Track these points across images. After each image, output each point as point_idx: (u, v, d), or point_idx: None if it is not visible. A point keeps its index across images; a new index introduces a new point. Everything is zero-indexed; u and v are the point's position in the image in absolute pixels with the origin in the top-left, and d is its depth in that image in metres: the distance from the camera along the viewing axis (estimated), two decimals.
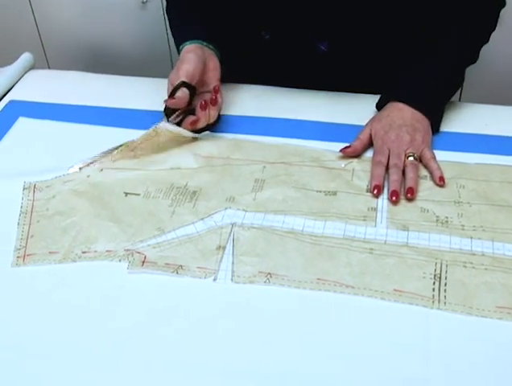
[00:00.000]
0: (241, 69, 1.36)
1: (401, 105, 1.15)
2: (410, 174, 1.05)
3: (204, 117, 1.15)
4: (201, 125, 1.16)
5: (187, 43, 1.21)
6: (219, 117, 1.19)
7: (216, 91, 1.17)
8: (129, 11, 2.12)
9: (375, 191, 1.03)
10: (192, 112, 1.16)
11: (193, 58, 1.17)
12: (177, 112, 1.16)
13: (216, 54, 1.23)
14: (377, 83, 1.23)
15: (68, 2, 2.18)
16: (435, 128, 1.16)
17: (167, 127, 1.14)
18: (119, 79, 1.39)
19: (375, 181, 1.05)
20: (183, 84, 1.14)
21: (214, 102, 1.15)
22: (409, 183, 1.04)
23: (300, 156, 1.12)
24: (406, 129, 1.10)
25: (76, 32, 2.18)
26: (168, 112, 1.17)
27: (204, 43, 1.22)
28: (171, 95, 1.14)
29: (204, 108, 1.14)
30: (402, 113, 1.13)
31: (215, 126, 1.19)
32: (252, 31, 1.30)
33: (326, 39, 1.27)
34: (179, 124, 1.15)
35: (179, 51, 1.22)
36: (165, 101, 1.15)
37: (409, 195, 1.02)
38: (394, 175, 1.05)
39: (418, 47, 1.21)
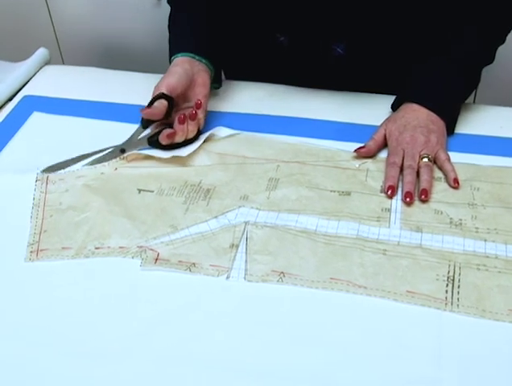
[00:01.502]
0: (256, 72, 1.36)
1: (416, 106, 1.14)
2: (424, 175, 1.05)
3: (182, 131, 1.13)
4: (178, 139, 1.13)
5: (179, 55, 1.20)
6: (199, 132, 1.17)
7: (197, 106, 1.15)
8: (143, 8, 2.12)
9: (389, 192, 1.03)
10: (171, 125, 1.15)
11: (178, 71, 1.16)
12: (155, 124, 1.16)
13: (209, 69, 1.22)
14: (392, 84, 1.23)
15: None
16: (451, 129, 1.15)
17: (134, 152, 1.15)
18: (133, 75, 1.39)
19: (389, 182, 1.04)
20: (163, 96, 1.13)
21: (193, 117, 1.14)
22: (423, 185, 1.03)
23: (315, 155, 1.12)
24: (421, 130, 1.10)
25: (91, 28, 2.18)
26: (144, 123, 1.17)
27: (196, 57, 1.20)
28: (149, 106, 1.13)
29: (182, 121, 1.12)
30: (417, 114, 1.13)
31: (192, 142, 1.16)
32: (267, 34, 1.30)
33: (343, 41, 1.26)
34: (155, 136, 1.14)
35: (170, 62, 1.22)
36: (141, 111, 1.14)
37: (423, 196, 1.02)
38: (409, 177, 1.05)
39: (433, 48, 1.21)
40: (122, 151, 1.14)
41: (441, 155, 1.09)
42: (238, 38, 1.35)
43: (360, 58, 1.27)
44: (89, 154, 1.15)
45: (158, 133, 1.13)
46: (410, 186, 1.03)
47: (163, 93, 1.13)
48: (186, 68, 1.17)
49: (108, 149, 1.15)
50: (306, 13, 1.22)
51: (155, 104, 1.13)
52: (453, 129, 1.16)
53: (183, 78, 1.16)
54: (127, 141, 1.16)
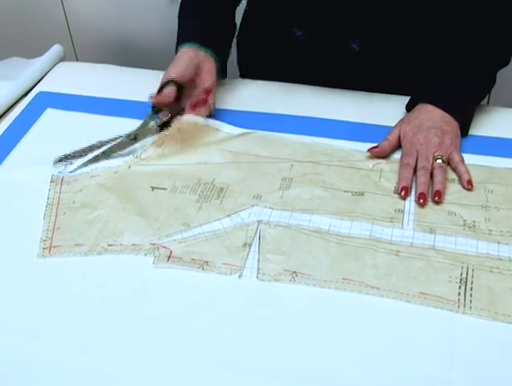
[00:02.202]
0: (272, 67, 1.36)
1: (430, 107, 1.14)
2: (438, 177, 1.05)
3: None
4: None
5: (185, 45, 1.21)
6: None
7: (207, 92, 1.18)
8: (158, 5, 2.12)
9: (402, 193, 1.03)
10: (182, 112, 1.17)
11: (184, 59, 1.18)
12: (165, 111, 1.17)
13: (214, 59, 1.23)
14: (407, 84, 1.23)
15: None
16: (465, 130, 1.15)
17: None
18: (147, 72, 1.39)
19: (403, 183, 1.04)
20: (171, 82, 1.15)
21: (204, 102, 1.17)
22: (437, 186, 1.03)
23: (328, 155, 1.12)
24: (435, 132, 1.10)
25: (105, 25, 2.19)
26: (154, 110, 1.18)
27: (202, 48, 1.21)
28: (158, 92, 1.15)
29: (193, 107, 1.16)
30: (432, 115, 1.13)
31: None
32: (284, 29, 1.30)
33: (358, 37, 1.26)
34: (166, 123, 1.17)
35: (176, 52, 1.23)
36: (150, 98, 1.16)
37: (436, 198, 1.02)
38: (422, 178, 1.04)
39: (448, 48, 1.21)
40: (134, 138, 1.15)
41: (455, 157, 1.08)
42: (256, 32, 1.36)
43: (374, 55, 1.27)
44: (102, 143, 1.16)
45: (169, 120, 1.15)
46: (424, 188, 1.03)
47: (171, 80, 1.15)
48: (191, 57, 1.19)
49: (120, 137, 1.16)
50: (323, 7, 1.23)
51: (165, 90, 1.15)
52: (467, 131, 1.16)
53: (191, 65, 1.18)
54: (138, 128, 1.17)
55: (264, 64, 1.35)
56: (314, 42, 1.29)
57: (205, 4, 1.29)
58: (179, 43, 1.23)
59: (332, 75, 1.30)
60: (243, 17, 1.43)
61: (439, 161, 1.07)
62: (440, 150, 1.08)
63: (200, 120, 1.18)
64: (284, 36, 1.32)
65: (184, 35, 1.25)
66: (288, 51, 1.34)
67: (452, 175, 1.07)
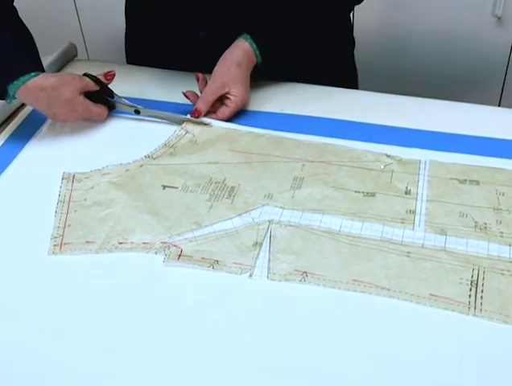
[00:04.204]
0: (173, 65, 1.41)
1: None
2: None
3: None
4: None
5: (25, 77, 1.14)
6: None
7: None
8: None
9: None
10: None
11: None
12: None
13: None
14: None
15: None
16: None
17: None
18: (158, 72, 1.39)
19: None
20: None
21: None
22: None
23: (340, 156, 1.12)
24: None
25: (117, 24, 2.19)
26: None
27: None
28: None
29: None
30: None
31: None
32: (186, 28, 1.35)
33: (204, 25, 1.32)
34: None
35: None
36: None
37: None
38: None
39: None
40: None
41: None
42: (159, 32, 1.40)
43: (221, 42, 1.28)
44: None
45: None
46: None
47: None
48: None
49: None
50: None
51: None
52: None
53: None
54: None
55: (153, 53, 1.44)
56: (216, 41, 1.29)
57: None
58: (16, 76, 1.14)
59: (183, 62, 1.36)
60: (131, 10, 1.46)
61: None
62: None
63: (215, 129, 1.21)
64: (186, 36, 1.35)
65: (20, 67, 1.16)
66: (189, 51, 1.37)
67: (463, 176, 1.07)
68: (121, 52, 1.55)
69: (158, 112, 1.23)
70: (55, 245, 0.98)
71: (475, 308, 0.86)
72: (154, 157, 1.14)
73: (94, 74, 1.22)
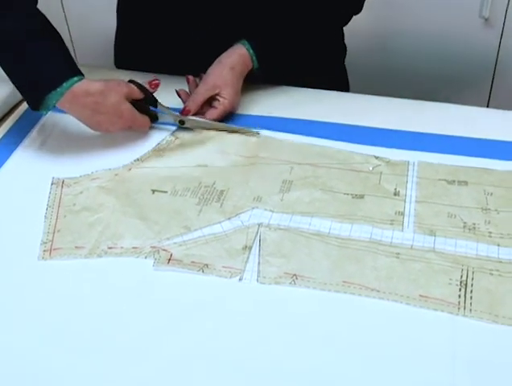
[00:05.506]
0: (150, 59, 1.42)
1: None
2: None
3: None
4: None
5: (70, 81, 1.10)
6: None
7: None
8: None
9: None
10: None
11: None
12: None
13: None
14: None
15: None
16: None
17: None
18: (147, 76, 1.39)
19: None
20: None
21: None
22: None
23: (328, 157, 1.12)
24: None
25: (106, 28, 2.18)
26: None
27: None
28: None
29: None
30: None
31: None
32: (183, 30, 1.35)
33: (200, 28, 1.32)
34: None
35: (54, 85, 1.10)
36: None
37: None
38: None
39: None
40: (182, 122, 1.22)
41: None
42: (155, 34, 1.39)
43: (220, 43, 1.28)
44: None
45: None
46: None
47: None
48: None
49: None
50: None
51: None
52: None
53: None
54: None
55: (145, 56, 1.42)
56: (213, 42, 1.29)
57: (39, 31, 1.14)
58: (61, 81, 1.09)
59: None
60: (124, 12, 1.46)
61: None
62: None
63: (201, 134, 1.21)
64: (182, 38, 1.35)
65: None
66: (186, 53, 1.36)
67: (451, 177, 1.07)
68: (110, 57, 1.55)
69: (205, 121, 1.22)
70: (44, 251, 0.98)
71: (464, 308, 0.86)
72: (142, 160, 1.14)
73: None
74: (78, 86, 1.10)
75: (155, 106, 1.21)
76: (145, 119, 1.19)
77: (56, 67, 1.11)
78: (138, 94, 1.17)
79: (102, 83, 1.12)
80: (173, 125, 1.22)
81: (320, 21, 1.31)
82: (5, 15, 1.10)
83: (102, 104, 1.11)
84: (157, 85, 1.21)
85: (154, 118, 1.22)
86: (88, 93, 1.10)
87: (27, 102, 1.13)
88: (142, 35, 1.42)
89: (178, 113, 1.22)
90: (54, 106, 1.10)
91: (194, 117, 1.21)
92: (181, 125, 1.21)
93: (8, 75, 1.11)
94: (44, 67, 1.10)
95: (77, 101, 1.11)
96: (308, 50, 1.34)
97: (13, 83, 1.12)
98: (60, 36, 1.15)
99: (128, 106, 1.14)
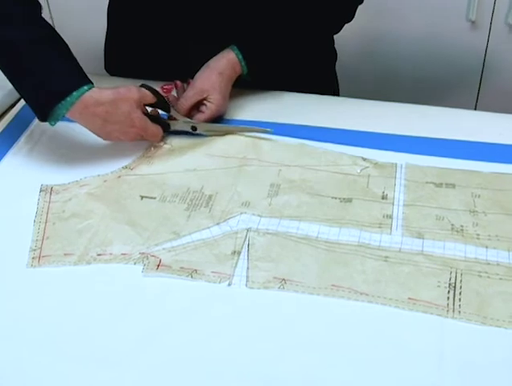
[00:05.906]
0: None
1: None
2: None
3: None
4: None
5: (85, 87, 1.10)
6: None
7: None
8: None
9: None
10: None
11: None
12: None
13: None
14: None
15: (84, 3, 2.19)
16: None
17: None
18: (135, 82, 1.39)
19: None
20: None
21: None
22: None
23: (316, 159, 1.13)
24: None
25: (91, 34, 2.19)
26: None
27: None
28: None
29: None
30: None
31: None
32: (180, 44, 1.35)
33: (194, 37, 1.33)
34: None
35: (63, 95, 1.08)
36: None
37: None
38: None
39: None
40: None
41: None
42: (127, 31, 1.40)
43: None
44: None
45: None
46: None
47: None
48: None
49: None
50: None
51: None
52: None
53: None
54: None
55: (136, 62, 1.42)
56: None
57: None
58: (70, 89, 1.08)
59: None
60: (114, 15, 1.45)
61: None
62: None
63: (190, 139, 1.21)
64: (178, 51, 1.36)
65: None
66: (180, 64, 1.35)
67: (439, 180, 1.07)
68: (99, 62, 1.55)
69: (216, 126, 1.22)
70: (33, 258, 0.98)
71: (453, 310, 0.87)
72: (131, 167, 1.14)
73: None
74: (88, 95, 1.09)
75: (168, 111, 1.20)
76: (157, 128, 1.18)
77: (65, 76, 1.10)
78: (151, 98, 1.16)
79: (113, 91, 1.11)
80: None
81: (312, 30, 1.31)
82: (8, 25, 1.09)
83: (113, 114, 1.10)
84: (170, 90, 1.21)
85: (166, 127, 1.21)
86: (98, 103, 1.09)
87: (35, 113, 1.11)
88: (134, 39, 1.42)
89: (190, 119, 1.21)
90: (63, 117, 1.09)
91: (206, 123, 1.21)
92: (193, 131, 1.20)
93: (14, 85, 1.11)
94: (52, 77, 1.09)
95: (88, 111, 1.09)
96: (299, 57, 1.34)
97: (19, 93, 1.12)
98: (67, 45, 1.13)
99: (139, 115, 1.13)
